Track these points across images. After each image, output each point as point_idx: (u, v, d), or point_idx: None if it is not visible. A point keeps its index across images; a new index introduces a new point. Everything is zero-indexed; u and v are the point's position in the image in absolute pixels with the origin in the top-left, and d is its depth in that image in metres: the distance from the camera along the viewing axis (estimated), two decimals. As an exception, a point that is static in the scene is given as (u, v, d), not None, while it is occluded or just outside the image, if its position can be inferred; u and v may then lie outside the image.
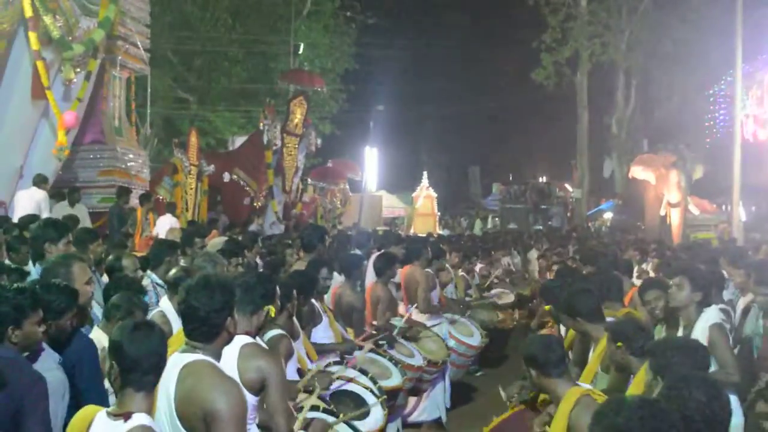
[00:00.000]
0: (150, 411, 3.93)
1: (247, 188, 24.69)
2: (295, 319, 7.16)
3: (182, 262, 8.67)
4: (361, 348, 8.27)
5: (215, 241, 11.91)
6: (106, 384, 5.47)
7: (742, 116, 26.88)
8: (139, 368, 3.86)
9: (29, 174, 15.91)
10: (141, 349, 3.86)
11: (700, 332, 6.32)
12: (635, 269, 14.46)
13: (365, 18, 42.20)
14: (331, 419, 6.22)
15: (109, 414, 3.85)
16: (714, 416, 3.68)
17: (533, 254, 22.26)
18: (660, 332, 7.23)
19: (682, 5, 37.58)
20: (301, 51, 39.29)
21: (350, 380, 7.17)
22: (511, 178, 54.80)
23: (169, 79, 37.70)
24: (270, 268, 9.06)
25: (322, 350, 7.76)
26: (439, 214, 45.61)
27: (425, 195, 43.98)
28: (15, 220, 12.50)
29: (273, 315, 5.49)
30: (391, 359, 8.31)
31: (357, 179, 38.26)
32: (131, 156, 19.46)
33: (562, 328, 8.03)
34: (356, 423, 6.50)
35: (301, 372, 6.87)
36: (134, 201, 18.05)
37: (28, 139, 16.49)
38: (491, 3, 49.54)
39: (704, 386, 3.77)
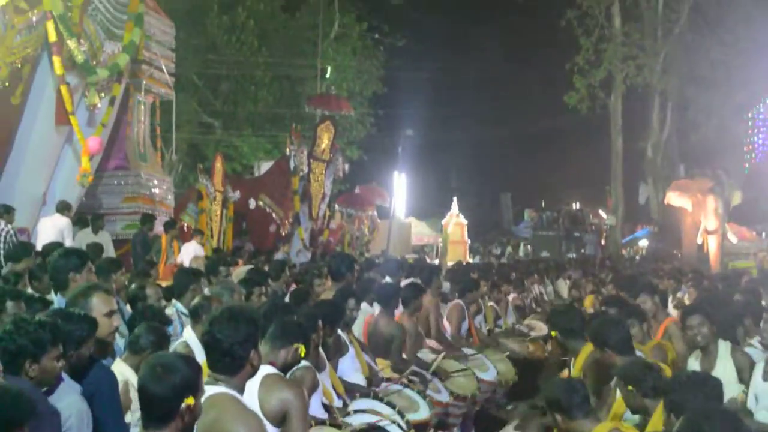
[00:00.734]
0: None
1: (273, 215, 24.72)
2: (321, 349, 7.16)
3: (206, 291, 8.69)
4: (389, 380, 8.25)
5: (240, 270, 11.96)
6: (128, 417, 5.51)
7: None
8: (157, 407, 3.84)
9: (52, 201, 16.06)
10: (160, 388, 3.82)
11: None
12: (671, 299, 14.33)
13: (393, 40, 42.36)
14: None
15: None
16: None
17: (562, 284, 22.13)
18: (693, 363, 7.21)
19: (719, 27, 37.44)
20: (328, 74, 39.45)
21: (377, 413, 7.14)
22: (543, 204, 54.67)
23: (194, 104, 37.97)
24: (296, 299, 9.04)
25: (348, 389, 7.74)
26: (469, 241, 45.47)
27: (455, 222, 43.83)
28: (38, 247, 12.57)
29: (303, 355, 5.49)
30: (419, 392, 8.28)
31: (385, 205, 38.25)
32: (156, 182, 19.58)
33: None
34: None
35: (326, 406, 6.86)
36: (159, 228, 18.10)
37: (51, 165, 16.66)
38: (522, 25, 49.44)
39: (725, 420, 3.76)
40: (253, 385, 4.89)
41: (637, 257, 36.48)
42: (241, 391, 4.53)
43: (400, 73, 46.32)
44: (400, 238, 38.72)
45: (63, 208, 15.32)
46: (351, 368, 8.08)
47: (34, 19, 15.43)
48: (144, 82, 19.54)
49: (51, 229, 14.88)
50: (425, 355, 9.72)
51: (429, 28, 51.91)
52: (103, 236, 15.91)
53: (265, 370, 5.06)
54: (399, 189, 45.53)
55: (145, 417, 3.90)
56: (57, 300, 7.23)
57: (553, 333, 8.01)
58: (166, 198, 19.91)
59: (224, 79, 39.45)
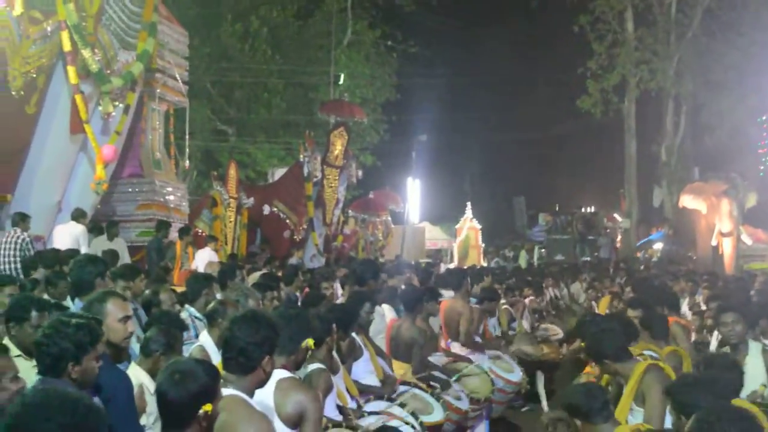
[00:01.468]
0: None
1: (287, 221, 24.78)
2: (335, 353, 7.21)
3: (218, 296, 8.76)
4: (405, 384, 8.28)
5: (253, 276, 12.03)
6: (143, 420, 5.56)
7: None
8: (176, 413, 3.90)
9: (67, 208, 16.15)
10: (178, 395, 3.87)
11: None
12: (687, 301, 14.33)
13: (406, 47, 42.35)
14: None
15: None
16: None
17: (577, 287, 22.12)
18: None
19: (732, 31, 37.34)
20: (341, 81, 39.56)
21: (389, 415, 7.18)
22: (557, 208, 54.38)
23: (208, 111, 38.07)
24: (308, 303, 9.10)
25: (362, 390, 7.78)
26: (483, 245, 45.44)
27: (469, 226, 43.82)
28: (53, 255, 12.64)
29: (312, 347, 5.54)
30: (432, 394, 8.30)
31: (399, 211, 38.23)
32: (170, 189, 19.68)
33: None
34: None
35: (340, 408, 6.90)
36: (173, 235, 18.19)
37: (66, 173, 16.76)
38: (535, 30, 49.51)
39: (737, 418, 3.77)
40: (268, 389, 4.95)
41: (653, 260, 36.30)
42: (251, 394, 4.58)
43: (413, 80, 46.43)
44: (414, 242, 38.75)
45: (78, 215, 15.41)
46: (365, 371, 8.12)
47: (49, 29, 15.56)
48: (158, 91, 19.64)
49: (66, 236, 14.98)
50: (439, 359, 9.73)
51: (442, 34, 51.91)
52: (118, 243, 15.99)
53: (279, 374, 5.11)
54: (413, 194, 45.59)
55: (164, 421, 3.96)
56: (75, 306, 7.29)
57: (582, 344, 7.94)
58: (181, 205, 20.01)
59: (238, 86, 39.59)
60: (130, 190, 19.19)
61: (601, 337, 6.51)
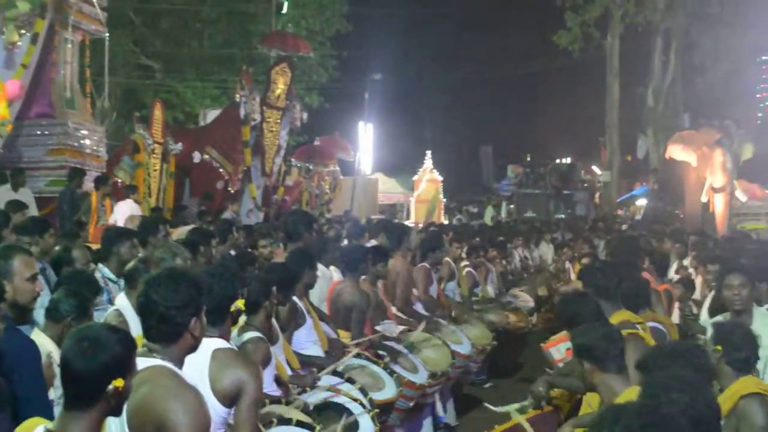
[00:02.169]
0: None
1: (221, 170, 24.63)
2: (273, 320, 7.18)
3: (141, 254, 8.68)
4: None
5: (181, 231, 11.95)
6: (51, 394, 5.51)
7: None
8: (81, 387, 3.76)
9: (-35, 153, 15.95)
10: (88, 364, 3.73)
11: None
12: (676, 264, 14.45)
13: (360, -29, 42.19)
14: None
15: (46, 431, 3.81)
16: (701, 417, 3.78)
17: (544, 248, 22.31)
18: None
19: (730, -42, 37.50)
20: (284, 10, 39.20)
21: (335, 391, 7.18)
22: (528, 158, 54.69)
23: (130, 43, 37.66)
24: (242, 262, 9.04)
25: (304, 361, 7.77)
26: (444, 200, 45.57)
27: (428, 178, 43.89)
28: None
29: (243, 308, 5.51)
30: (385, 367, 8.31)
31: (349, 160, 38.18)
32: (85, 132, 19.43)
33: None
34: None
35: (279, 381, 6.90)
36: (89, 184, 18.01)
37: (-37, 112, 16.52)
38: (506, -47, 49.52)
39: (685, 386, 3.84)
40: (201, 361, 4.92)
41: (635, 218, 36.64)
42: (179, 364, 4.50)
43: (367, 9, 46.18)
44: (366, 196, 38.72)
45: (-23, 161, 15.24)
46: (308, 340, 8.12)
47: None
48: (71, 18, 19.27)
49: (-36, 185, 14.81)
50: (389, 326, 9.75)
51: (401, -43, 51.74)
52: (24, 193, 15.80)
53: (216, 343, 5.09)
54: (365, 141, 45.53)
55: (67, 397, 3.84)
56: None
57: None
58: (98, 150, 19.78)
59: (165, 14, 39.17)
60: (38, 132, 18.91)
61: (573, 305, 6.56)
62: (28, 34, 17.15)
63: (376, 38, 47.97)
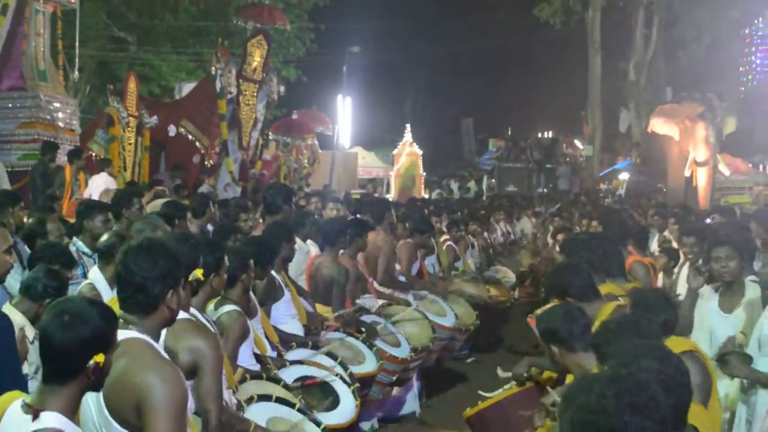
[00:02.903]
0: (70, 407, 3.80)
1: (197, 144, 24.54)
2: (251, 294, 7.16)
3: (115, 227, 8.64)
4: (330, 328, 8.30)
5: (155, 203, 11.87)
6: (24, 369, 5.47)
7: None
8: (60, 362, 3.74)
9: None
10: (68, 338, 3.70)
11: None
12: (657, 237, 14.50)
13: (338, -59, 41.98)
14: (294, 416, 6.16)
15: (23, 405, 3.76)
16: (671, 380, 3.79)
17: (525, 222, 22.35)
18: (707, 303, 7.35)
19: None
20: (261, -19, 39.07)
21: (315, 365, 7.17)
22: (510, 132, 54.73)
23: (103, 15, 37.38)
24: (219, 235, 9.00)
25: (282, 338, 7.76)
26: (424, 174, 45.58)
27: (408, 152, 43.90)
28: None
29: (201, 278, 5.42)
30: (365, 341, 8.32)
31: (328, 133, 38.08)
32: (58, 105, 19.34)
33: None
34: (323, 415, 6.51)
35: (258, 356, 6.88)
36: (62, 158, 17.92)
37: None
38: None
39: (653, 352, 3.86)
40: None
41: (618, 192, 36.76)
42: (156, 337, 4.49)
43: (345, -19, 46.00)
44: (345, 170, 38.77)
45: (-53, 134, 15.13)
46: (286, 314, 8.11)
47: None
48: (42, -12, 19.22)
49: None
50: (369, 301, 9.74)
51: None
52: (-5, 168, 15.74)
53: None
54: (344, 114, 45.49)
55: (45, 372, 3.81)
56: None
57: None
58: (71, 123, 19.69)
59: (139, -14, 38.96)
60: (10, 105, 18.83)
61: (566, 275, 6.56)
62: (-3, 4, 17.02)
63: (353, 11, 47.90)
